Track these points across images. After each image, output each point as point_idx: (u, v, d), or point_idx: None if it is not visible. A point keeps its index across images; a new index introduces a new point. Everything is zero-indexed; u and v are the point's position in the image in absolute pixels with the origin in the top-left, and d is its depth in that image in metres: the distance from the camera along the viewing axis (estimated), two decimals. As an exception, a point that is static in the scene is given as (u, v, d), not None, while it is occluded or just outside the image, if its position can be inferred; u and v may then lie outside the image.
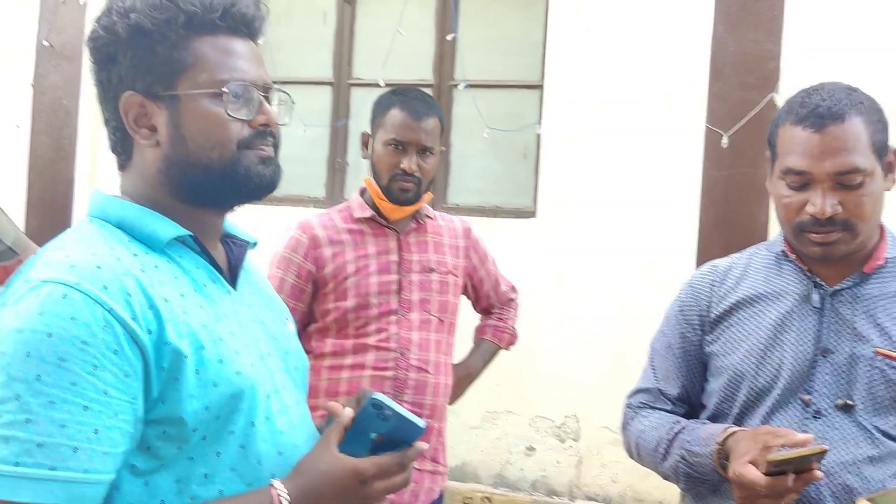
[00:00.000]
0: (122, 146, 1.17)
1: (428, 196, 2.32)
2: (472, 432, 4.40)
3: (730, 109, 4.00)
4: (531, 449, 4.33)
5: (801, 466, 1.31)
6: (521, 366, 4.15)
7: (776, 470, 1.30)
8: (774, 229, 4.37)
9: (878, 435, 1.44)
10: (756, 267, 1.62)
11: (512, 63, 4.62)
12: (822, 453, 1.32)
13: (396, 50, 4.34)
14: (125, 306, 1.01)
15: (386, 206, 2.27)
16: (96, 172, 4.70)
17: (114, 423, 0.99)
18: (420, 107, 2.28)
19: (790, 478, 1.30)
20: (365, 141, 2.35)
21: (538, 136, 4.39)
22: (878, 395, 1.45)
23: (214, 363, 1.06)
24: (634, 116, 4.15)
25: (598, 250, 4.21)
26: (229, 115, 1.12)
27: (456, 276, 2.38)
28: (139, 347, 1.01)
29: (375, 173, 2.28)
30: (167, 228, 1.13)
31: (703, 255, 4.09)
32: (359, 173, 4.81)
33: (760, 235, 4.03)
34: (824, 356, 1.48)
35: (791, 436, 1.34)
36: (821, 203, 1.42)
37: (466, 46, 4.45)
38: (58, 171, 4.45)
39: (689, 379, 1.65)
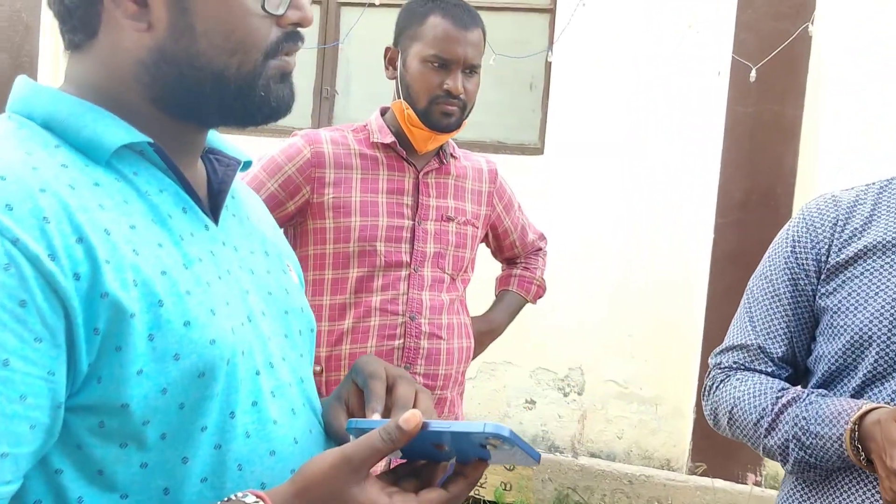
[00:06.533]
0: (84, 16, 0.82)
1: (464, 124, 1.96)
2: (468, 383, 4.15)
3: (759, 41, 3.74)
4: (531, 402, 4.20)
5: None
6: (521, 313, 3.91)
7: None
8: (804, 172, 4.09)
9: None
10: (889, 204, 1.36)
11: (520, -16, 4.29)
12: None
13: (393, -34, 3.97)
14: (39, 236, 0.70)
15: (421, 134, 1.92)
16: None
17: (18, 410, 0.69)
18: (464, 15, 1.90)
19: None
20: (392, 57, 1.98)
21: (548, 65, 4.11)
22: None
23: (178, 326, 0.77)
24: (654, 45, 3.92)
25: (610, 191, 4.02)
26: (265, 10, 0.83)
27: (476, 227, 2.07)
28: (59, 299, 0.71)
29: (409, 95, 1.91)
30: (116, 132, 0.81)
31: (723, 200, 3.86)
32: (348, 103, 4.50)
33: (787, 180, 3.78)
34: None
35: None
36: None
37: (471, -36, 4.09)
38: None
39: (798, 336, 1.40)
